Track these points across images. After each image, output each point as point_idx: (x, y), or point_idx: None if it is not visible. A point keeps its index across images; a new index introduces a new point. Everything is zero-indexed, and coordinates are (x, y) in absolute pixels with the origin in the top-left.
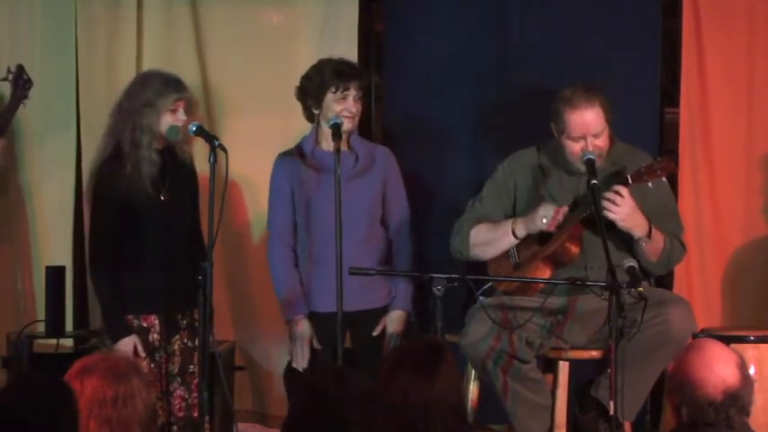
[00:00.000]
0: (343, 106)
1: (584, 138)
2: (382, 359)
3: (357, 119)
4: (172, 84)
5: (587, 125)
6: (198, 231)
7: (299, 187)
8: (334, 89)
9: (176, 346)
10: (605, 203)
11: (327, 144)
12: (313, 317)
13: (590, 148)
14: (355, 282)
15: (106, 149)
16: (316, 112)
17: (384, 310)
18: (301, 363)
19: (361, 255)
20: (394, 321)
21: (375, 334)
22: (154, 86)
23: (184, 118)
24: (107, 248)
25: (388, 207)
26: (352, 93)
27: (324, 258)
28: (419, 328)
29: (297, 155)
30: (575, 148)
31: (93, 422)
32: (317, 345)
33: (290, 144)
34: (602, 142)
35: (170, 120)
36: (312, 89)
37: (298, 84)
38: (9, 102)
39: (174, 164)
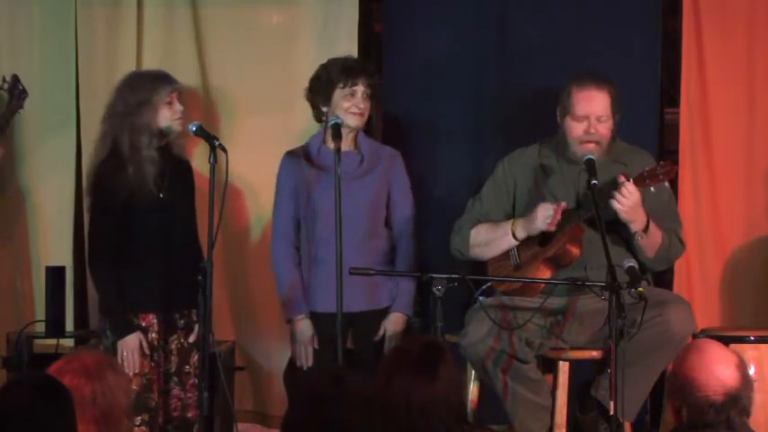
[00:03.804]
0: (351, 102)
1: (587, 118)
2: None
3: (366, 116)
4: (162, 78)
5: (593, 105)
6: (194, 230)
7: (303, 186)
8: (342, 85)
9: (173, 346)
10: (615, 193)
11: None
12: (313, 317)
13: (592, 131)
14: (356, 282)
15: (102, 152)
16: (324, 109)
17: (386, 312)
18: (305, 362)
19: (361, 255)
20: (393, 324)
21: (377, 339)
22: (145, 84)
23: (182, 108)
24: (107, 248)
25: (393, 209)
26: (360, 89)
27: (323, 258)
28: (420, 328)
29: (302, 154)
30: (577, 129)
31: (81, 424)
32: (315, 345)
33: (289, 144)
34: (604, 130)
35: (168, 113)
36: (320, 87)
37: (307, 85)
38: (4, 111)
39: (172, 161)
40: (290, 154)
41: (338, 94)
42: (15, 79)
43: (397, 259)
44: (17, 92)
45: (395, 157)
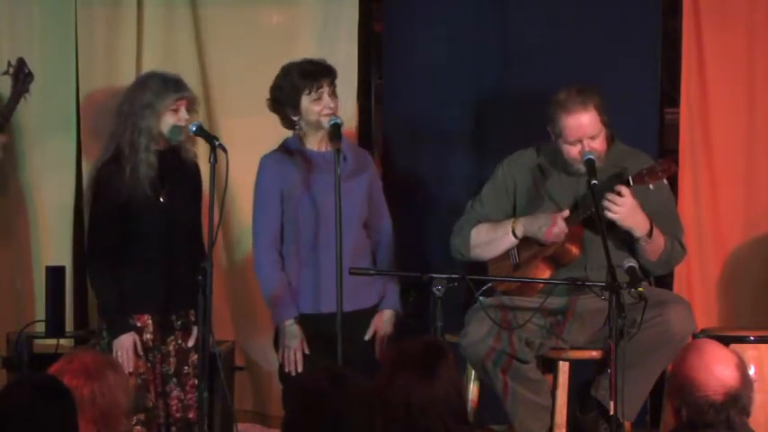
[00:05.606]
0: (320, 105)
1: (580, 141)
2: (373, 359)
3: (338, 112)
4: (171, 84)
5: (583, 129)
6: (198, 232)
7: (288, 188)
8: (307, 91)
9: (171, 347)
10: (606, 203)
11: (313, 144)
12: (301, 319)
13: (587, 149)
14: (344, 283)
15: (106, 153)
16: (295, 118)
17: (373, 311)
18: (294, 368)
19: (353, 256)
20: (385, 322)
21: (367, 338)
22: (153, 88)
23: (187, 117)
24: (105, 248)
25: (374, 209)
26: (326, 90)
27: (314, 260)
28: (416, 328)
29: (285, 154)
30: (572, 151)
31: (80, 424)
32: (306, 350)
33: None
34: (599, 144)
35: (172, 120)
36: (285, 97)
37: (268, 96)
38: (10, 96)
39: (176, 165)
40: (272, 157)
41: (305, 100)
42: (21, 62)
43: (381, 258)
44: (22, 75)
45: (371, 158)
